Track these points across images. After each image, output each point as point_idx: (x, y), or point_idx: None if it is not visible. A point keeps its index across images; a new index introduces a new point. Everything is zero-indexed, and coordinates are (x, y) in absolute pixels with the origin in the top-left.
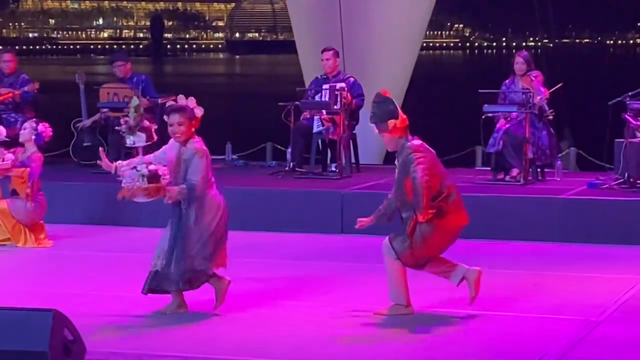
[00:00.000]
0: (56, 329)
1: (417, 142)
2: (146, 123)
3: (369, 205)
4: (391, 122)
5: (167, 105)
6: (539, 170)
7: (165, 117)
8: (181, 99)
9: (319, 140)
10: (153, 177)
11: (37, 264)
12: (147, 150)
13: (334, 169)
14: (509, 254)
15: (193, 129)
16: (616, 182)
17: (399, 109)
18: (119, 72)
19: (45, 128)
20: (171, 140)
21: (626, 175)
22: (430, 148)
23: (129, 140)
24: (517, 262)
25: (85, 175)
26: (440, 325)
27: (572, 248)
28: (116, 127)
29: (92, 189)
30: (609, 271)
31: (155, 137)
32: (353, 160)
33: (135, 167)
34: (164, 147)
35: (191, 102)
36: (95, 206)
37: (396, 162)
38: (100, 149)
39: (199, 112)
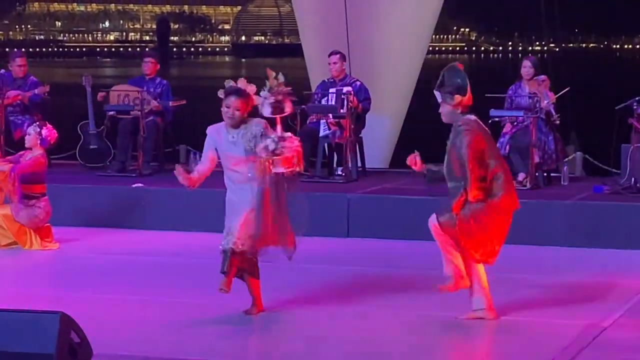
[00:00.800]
0: (63, 331)
1: (471, 117)
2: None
3: (375, 209)
4: (458, 97)
5: (227, 86)
6: (545, 174)
7: (221, 95)
8: (242, 82)
9: (325, 144)
10: (276, 148)
11: (43, 266)
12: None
13: (340, 172)
14: (515, 258)
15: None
16: (622, 187)
17: (468, 85)
18: (147, 69)
19: (49, 131)
20: (212, 128)
21: (632, 180)
22: (483, 125)
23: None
24: (521, 267)
25: (92, 178)
26: (444, 330)
27: (579, 252)
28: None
29: (98, 191)
30: (615, 276)
31: None
32: (359, 165)
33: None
34: (208, 140)
35: (251, 88)
36: (101, 209)
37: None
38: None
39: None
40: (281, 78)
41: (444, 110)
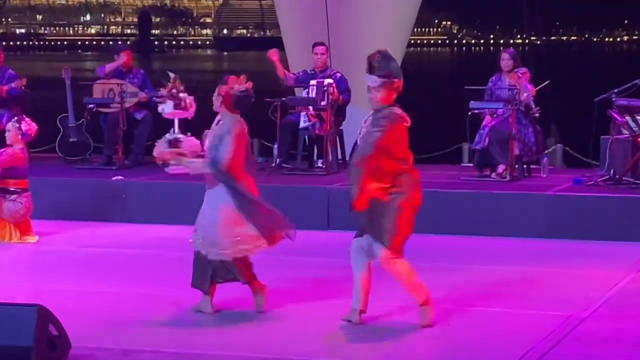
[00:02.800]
0: (41, 324)
1: (398, 110)
2: (179, 94)
3: None
4: (397, 81)
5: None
6: (525, 166)
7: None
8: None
9: (306, 137)
10: (174, 142)
11: (21, 259)
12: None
13: (320, 165)
14: (495, 250)
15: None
16: (602, 179)
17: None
18: (122, 62)
19: (28, 125)
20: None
21: (612, 171)
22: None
23: (159, 108)
24: (502, 258)
25: (71, 171)
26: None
27: (558, 244)
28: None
29: (78, 184)
30: (594, 267)
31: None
32: (339, 157)
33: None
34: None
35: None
36: (81, 202)
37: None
38: None
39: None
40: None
41: (379, 96)
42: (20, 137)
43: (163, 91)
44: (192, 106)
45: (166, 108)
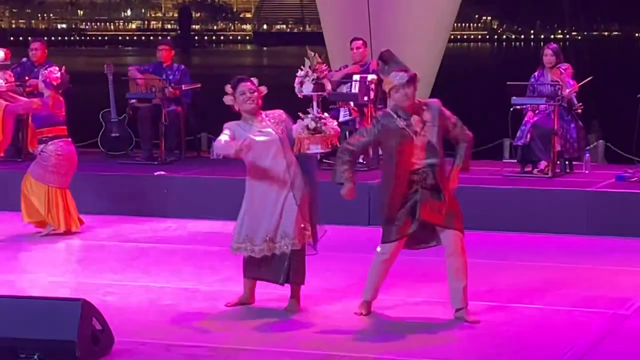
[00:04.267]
0: (84, 319)
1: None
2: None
3: None
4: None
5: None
6: (567, 163)
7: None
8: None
9: (347, 131)
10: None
11: (66, 253)
12: None
13: (361, 160)
14: (536, 247)
15: None
16: None
17: None
18: (162, 57)
19: (49, 73)
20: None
21: None
22: None
23: (297, 89)
24: (545, 255)
25: (113, 165)
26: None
27: (600, 241)
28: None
29: (119, 179)
30: (637, 264)
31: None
32: (380, 152)
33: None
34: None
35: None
36: (122, 197)
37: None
38: None
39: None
40: (320, 58)
41: (412, 94)
42: (43, 85)
43: (301, 72)
44: (328, 85)
45: (305, 89)
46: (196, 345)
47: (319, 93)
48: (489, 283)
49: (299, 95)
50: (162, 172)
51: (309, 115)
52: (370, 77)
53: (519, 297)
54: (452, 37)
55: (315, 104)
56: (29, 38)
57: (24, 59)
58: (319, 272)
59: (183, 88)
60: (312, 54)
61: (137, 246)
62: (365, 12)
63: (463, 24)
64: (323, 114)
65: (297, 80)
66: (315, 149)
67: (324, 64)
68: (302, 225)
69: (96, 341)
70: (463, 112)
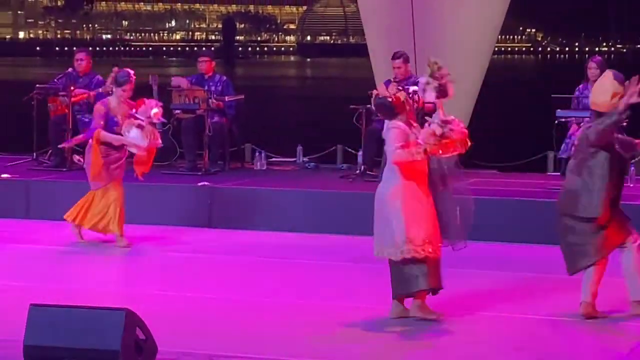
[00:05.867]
0: (128, 328)
1: None
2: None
3: None
4: None
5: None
6: None
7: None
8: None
9: None
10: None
11: (109, 264)
12: None
13: None
14: None
15: None
16: None
17: None
18: (203, 68)
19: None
20: None
21: None
22: None
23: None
24: None
25: (157, 176)
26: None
27: None
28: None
29: (164, 189)
30: None
31: None
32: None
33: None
34: None
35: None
36: (167, 207)
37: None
38: None
39: None
40: (439, 63)
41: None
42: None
43: (423, 79)
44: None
45: (428, 95)
46: (239, 356)
47: (444, 98)
48: (536, 297)
49: (425, 101)
50: (206, 183)
51: (435, 121)
52: (412, 88)
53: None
54: (495, 49)
55: (441, 109)
56: (74, 48)
57: (69, 69)
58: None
59: (226, 99)
60: (433, 60)
61: (180, 256)
62: (409, 24)
63: (507, 36)
64: (449, 116)
65: (419, 86)
66: (447, 153)
67: (444, 69)
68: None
69: (139, 351)
70: (507, 124)
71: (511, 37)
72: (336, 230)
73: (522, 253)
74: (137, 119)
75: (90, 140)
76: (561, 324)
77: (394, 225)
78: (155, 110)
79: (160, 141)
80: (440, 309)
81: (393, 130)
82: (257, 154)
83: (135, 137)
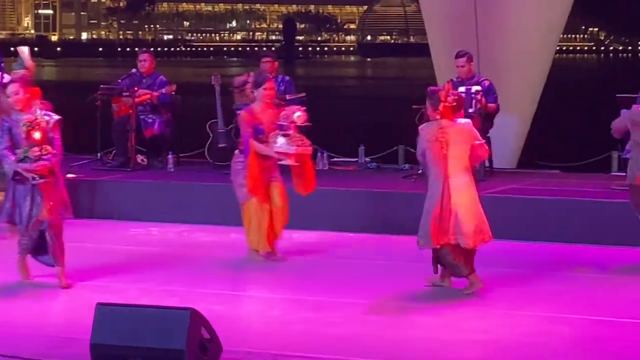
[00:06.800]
0: (193, 328)
1: None
2: None
3: (503, 209)
4: None
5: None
6: None
7: None
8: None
9: None
10: None
11: (174, 263)
12: None
13: None
14: None
15: None
16: None
17: None
18: (266, 68)
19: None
20: None
21: None
22: None
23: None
24: None
25: (220, 176)
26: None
27: None
28: None
29: (226, 189)
30: None
31: None
32: (487, 165)
33: None
34: None
35: None
36: (230, 206)
37: None
38: None
39: None
40: None
41: None
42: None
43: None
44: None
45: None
46: (303, 355)
47: None
48: (594, 298)
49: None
50: None
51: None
52: (475, 88)
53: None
54: (558, 48)
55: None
56: (136, 49)
57: (133, 70)
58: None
59: (287, 98)
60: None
61: (244, 256)
62: (472, 22)
63: (569, 35)
64: None
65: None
66: None
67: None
68: None
69: (204, 350)
70: (571, 124)
71: (573, 35)
72: (397, 231)
73: (588, 254)
74: (281, 127)
75: (236, 152)
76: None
77: None
78: (298, 113)
79: (310, 148)
80: (509, 310)
81: None
82: (319, 154)
83: (282, 146)
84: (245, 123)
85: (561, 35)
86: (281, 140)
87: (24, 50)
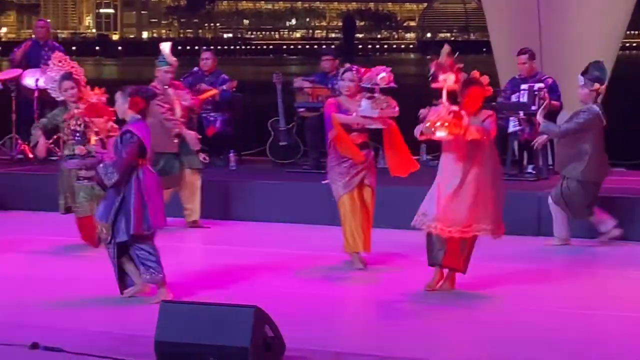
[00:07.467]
0: (257, 326)
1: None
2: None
3: None
4: (596, 85)
5: None
6: None
7: None
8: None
9: (516, 142)
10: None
11: (237, 261)
12: None
13: (530, 170)
14: None
15: None
16: None
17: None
18: (327, 67)
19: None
20: None
21: None
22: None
23: None
24: None
25: (282, 174)
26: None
27: None
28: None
29: (288, 187)
30: None
31: None
32: (550, 162)
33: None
34: None
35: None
36: (290, 205)
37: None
38: None
39: None
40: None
41: (583, 92)
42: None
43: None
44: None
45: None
46: (367, 354)
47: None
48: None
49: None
50: (329, 181)
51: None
52: (538, 85)
53: None
54: (623, 44)
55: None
56: (196, 47)
57: (195, 68)
58: (493, 284)
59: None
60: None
61: (307, 254)
62: (535, 19)
63: (634, 32)
64: None
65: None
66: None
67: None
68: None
69: (268, 348)
70: (635, 120)
71: (637, 32)
72: None
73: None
74: (364, 89)
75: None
76: None
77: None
78: (382, 75)
79: (397, 109)
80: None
81: None
82: (380, 152)
83: (365, 109)
84: (328, 107)
85: (626, 32)
86: (365, 103)
87: (166, 47)
